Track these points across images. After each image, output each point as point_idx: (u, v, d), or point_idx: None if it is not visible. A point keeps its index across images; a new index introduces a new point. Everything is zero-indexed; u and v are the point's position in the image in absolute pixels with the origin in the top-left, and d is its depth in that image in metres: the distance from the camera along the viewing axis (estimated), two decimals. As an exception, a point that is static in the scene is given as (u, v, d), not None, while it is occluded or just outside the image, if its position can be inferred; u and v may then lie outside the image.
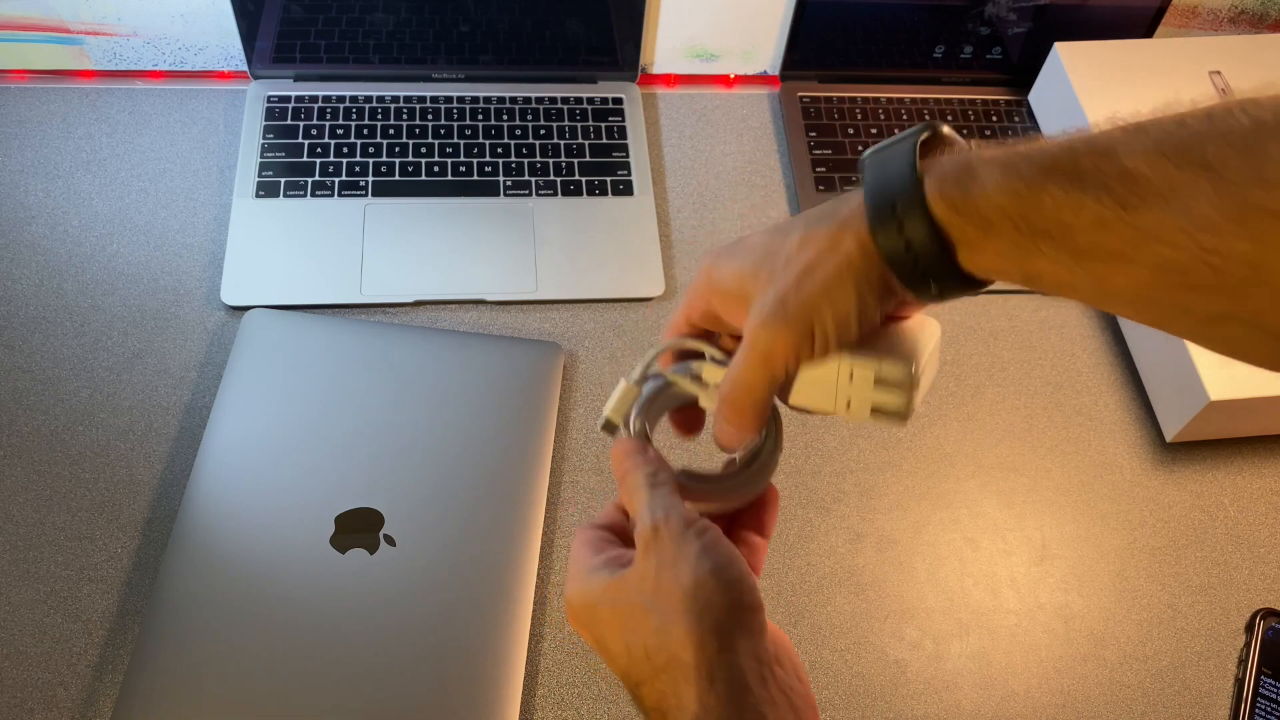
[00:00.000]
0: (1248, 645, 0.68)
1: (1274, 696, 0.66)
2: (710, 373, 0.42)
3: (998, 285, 0.36)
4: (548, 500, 0.69)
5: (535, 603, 0.65)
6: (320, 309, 0.78)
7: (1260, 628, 0.68)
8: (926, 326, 0.41)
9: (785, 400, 0.41)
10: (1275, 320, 0.30)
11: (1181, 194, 0.29)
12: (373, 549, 0.64)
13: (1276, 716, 0.65)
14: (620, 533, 0.43)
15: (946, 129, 0.37)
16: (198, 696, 0.58)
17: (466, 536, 0.65)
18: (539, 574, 0.66)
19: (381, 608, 0.62)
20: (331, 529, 0.64)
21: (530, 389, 0.72)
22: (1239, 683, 0.67)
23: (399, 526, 0.65)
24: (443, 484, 0.67)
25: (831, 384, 0.39)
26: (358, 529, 0.64)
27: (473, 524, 0.65)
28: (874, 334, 0.39)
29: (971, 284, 0.36)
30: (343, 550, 0.63)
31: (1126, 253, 0.31)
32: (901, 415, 0.39)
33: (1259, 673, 0.66)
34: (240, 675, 0.59)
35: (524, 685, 0.62)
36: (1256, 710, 0.65)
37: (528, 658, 0.63)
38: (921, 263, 0.35)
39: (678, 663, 0.36)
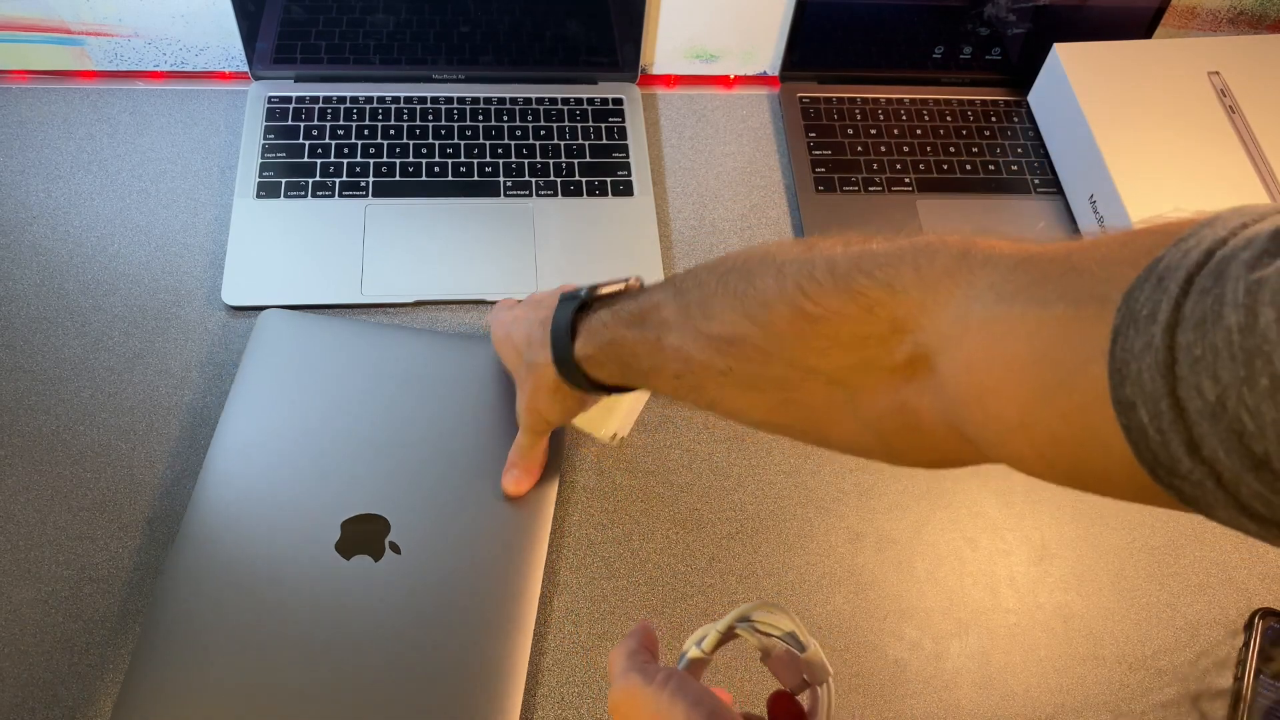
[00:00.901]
0: (1247, 645, 0.68)
1: (1273, 696, 0.66)
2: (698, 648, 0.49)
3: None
4: (556, 503, 0.69)
5: (541, 601, 0.65)
6: (323, 309, 0.78)
7: (1259, 627, 0.68)
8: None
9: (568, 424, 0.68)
10: (730, 410, 0.48)
11: (676, 327, 0.48)
12: (378, 555, 0.64)
13: (1275, 716, 0.65)
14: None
15: (602, 289, 0.58)
16: (199, 698, 0.58)
17: (472, 542, 0.65)
18: (545, 575, 0.66)
19: (385, 613, 0.62)
20: (337, 534, 0.64)
21: None
22: (1238, 682, 0.67)
23: (405, 533, 0.65)
24: (448, 489, 0.67)
25: (581, 422, 0.69)
26: (363, 535, 0.64)
27: (478, 529, 0.66)
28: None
29: (617, 388, 0.57)
30: (348, 556, 0.63)
31: (660, 366, 0.50)
32: (610, 445, 0.73)
33: (1258, 672, 0.67)
34: (242, 677, 0.59)
35: (525, 686, 0.62)
36: (1255, 710, 0.65)
37: (530, 657, 0.63)
38: (589, 387, 0.57)
39: None
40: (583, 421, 0.68)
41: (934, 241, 0.39)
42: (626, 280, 0.58)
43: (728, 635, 0.47)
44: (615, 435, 0.68)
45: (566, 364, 0.57)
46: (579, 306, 0.57)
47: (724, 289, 0.46)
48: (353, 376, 0.71)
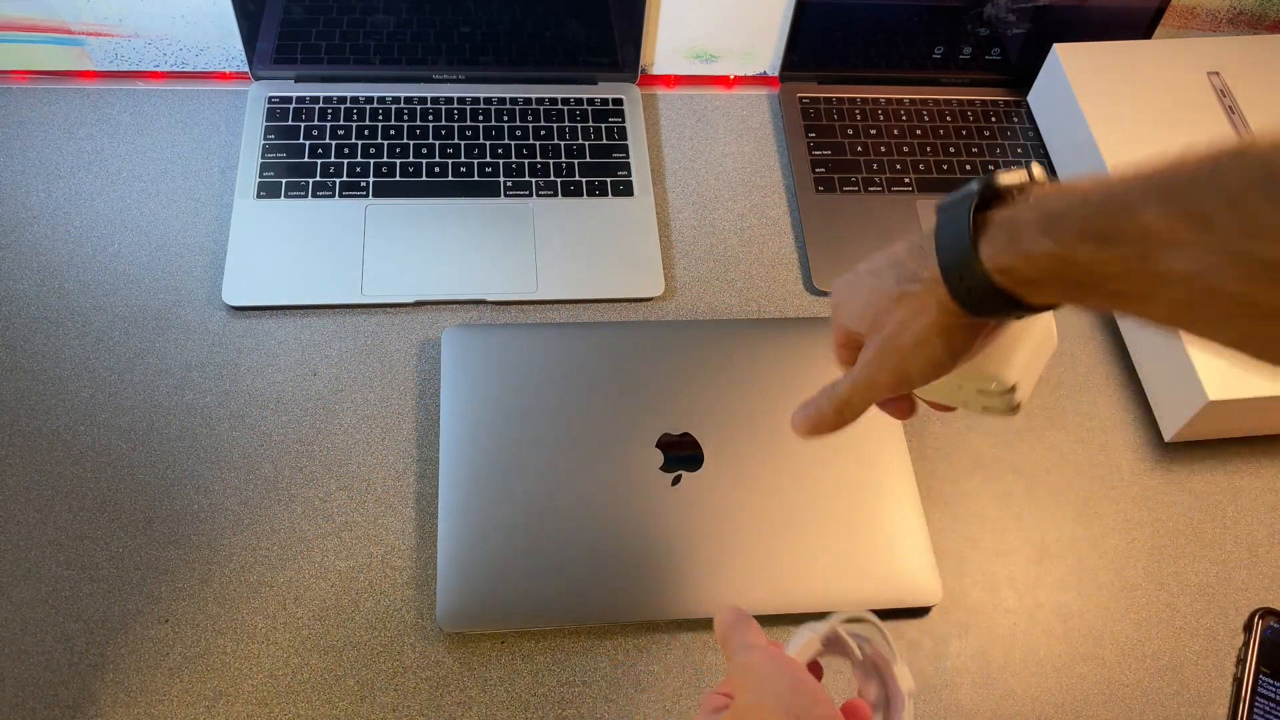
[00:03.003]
0: (1246, 644, 0.68)
1: (1273, 695, 0.66)
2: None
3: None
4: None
5: None
6: (324, 309, 0.78)
7: (1259, 627, 0.68)
8: (1034, 323, 0.49)
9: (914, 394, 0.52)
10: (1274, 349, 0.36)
11: (1184, 245, 0.35)
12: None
13: (1275, 715, 0.65)
14: None
15: (1001, 178, 0.44)
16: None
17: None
18: None
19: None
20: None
21: None
22: (1237, 681, 0.67)
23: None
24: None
25: (950, 388, 0.50)
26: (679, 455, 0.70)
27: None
28: (985, 340, 0.48)
29: (1043, 308, 0.44)
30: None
31: (1149, 293, 0.38)
32: (1007, 415, 0.51)
33: (1258, 671, 0.67)
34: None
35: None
36: (1255, 709, 0.65)
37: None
38: (995, 308, 0.43)
39: None
40: (965, 373, 0.49)
41: None
42: (1027, 169, 0.44)
43: (831, 635, 0.48)
44: (1014, 390, 0.49)
45: (967, 276, 0.43)
46: (976, 205, 0.43)
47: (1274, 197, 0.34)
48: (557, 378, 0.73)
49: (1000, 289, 0.42)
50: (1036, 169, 0.44)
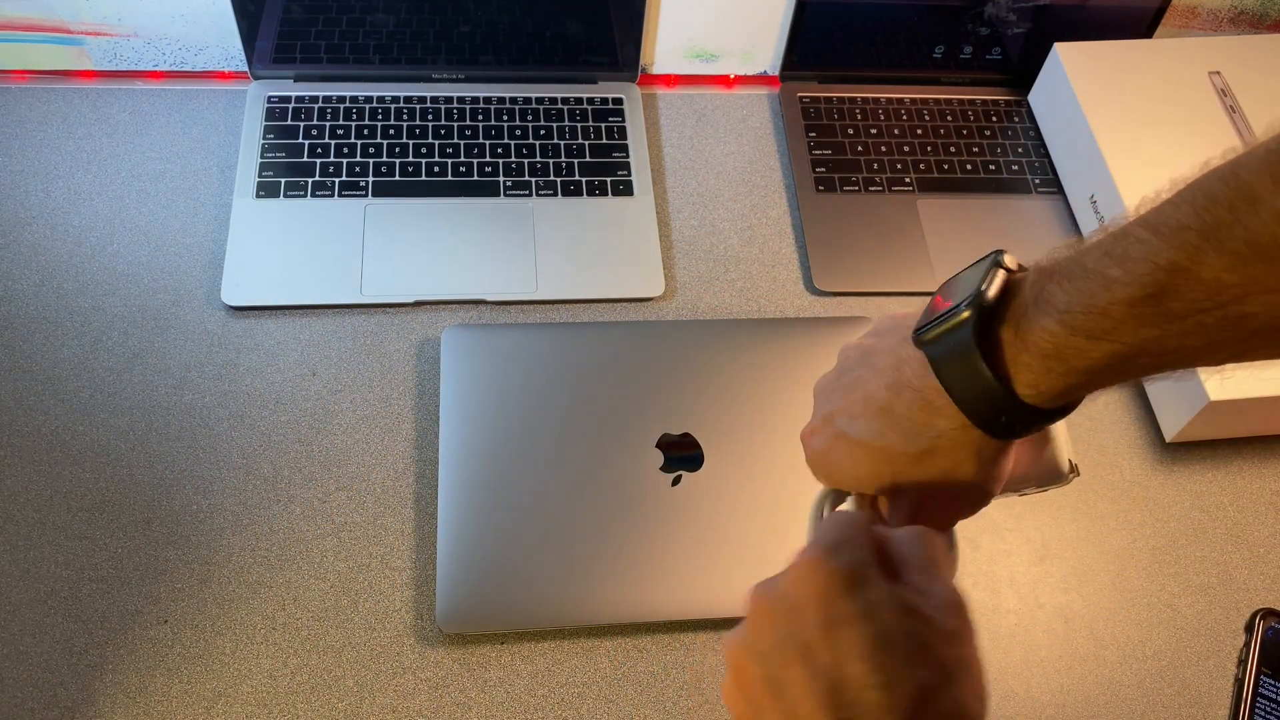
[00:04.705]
0: (1247, 645, 0.68)
1: (1274, 696, 0.66)
2: None
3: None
4: None
5: None
6: (324, 309, 0.78)
7: (1260, 627, 0.68)
8: None
9: None
10: None
11: (1271, 289, 0.33)
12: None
13: (1276, 716, 0.65)
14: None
15: (989, 292, 0.39)
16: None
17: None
18: None
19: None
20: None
21: None
22: (1238, 682, 0.67)
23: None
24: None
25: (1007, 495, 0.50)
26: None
27: None
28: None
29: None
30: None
31: (1222, 341, 0.35)
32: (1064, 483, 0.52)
33: (1259, 672, 0.67)
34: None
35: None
36: (1256, 710, 0.65)
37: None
38: (1044, 424, 0.40)
39: None
40: (1020, 480, 0.51)
41: None
42: (993, 263, 0.40)
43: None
44: (1075, 469, 0.52)
45: (1011, 416, 0.39)
46: (975, 333, 0.39)
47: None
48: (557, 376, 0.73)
49: (1053, 412, 0.39)
50: (1007, 258, 0.40)
